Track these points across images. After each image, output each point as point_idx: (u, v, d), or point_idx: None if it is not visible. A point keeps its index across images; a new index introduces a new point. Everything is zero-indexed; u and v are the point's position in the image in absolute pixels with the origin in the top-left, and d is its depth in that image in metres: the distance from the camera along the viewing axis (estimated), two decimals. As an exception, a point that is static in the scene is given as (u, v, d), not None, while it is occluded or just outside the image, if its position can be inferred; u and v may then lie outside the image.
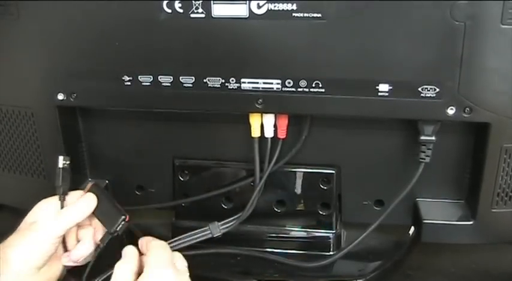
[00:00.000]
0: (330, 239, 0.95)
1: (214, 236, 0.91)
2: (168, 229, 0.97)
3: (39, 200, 0.97)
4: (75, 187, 0.95)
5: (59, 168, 0.86)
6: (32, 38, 0.86)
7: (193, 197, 0.95)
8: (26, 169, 0.98)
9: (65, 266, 0.85)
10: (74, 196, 0.86)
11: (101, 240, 0.84)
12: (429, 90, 0.77)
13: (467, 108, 0.77)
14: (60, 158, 0.86)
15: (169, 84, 0.83)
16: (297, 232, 0.96)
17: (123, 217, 0.82)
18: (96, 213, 0.83)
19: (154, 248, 0.79)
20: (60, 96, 0.88)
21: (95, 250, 0.84)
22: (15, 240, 0.79)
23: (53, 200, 0.84)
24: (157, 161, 0.96)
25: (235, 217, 0.92)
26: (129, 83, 0.84)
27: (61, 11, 0.82)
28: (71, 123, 0.95)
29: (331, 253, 0.94)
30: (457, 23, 0.73)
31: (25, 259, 0.78)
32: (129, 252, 0.79)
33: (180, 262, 0.80)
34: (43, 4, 0.83)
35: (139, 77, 0.84)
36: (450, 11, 0.72)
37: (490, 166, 0.82)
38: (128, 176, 0.98)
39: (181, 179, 0.96)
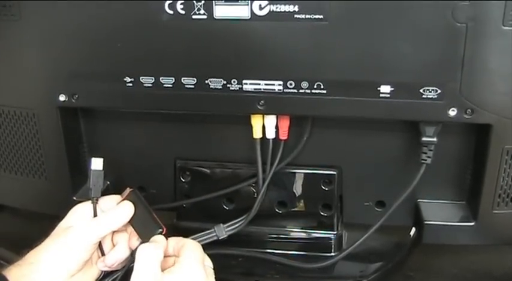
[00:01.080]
0: (331, 240, 0.95)
1: (220, 238, 0.91)
2: (169, 230, 0.96)
3: (41, 201, 0.98)
4: (76, 188, 0.96)
5: (91, 170, 0.83)
6: (34, 39, 0.86)
7: (195, 198, 0.95)
8: (27, 170, 0.98)
9: (101, 271, 0.84)
10: (109, 200, 0.83)
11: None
12: (431, 92, 0.77)
13: (469, 110, 0.77)
14: (93, 160, 0.84)
15: (171, 85, 0.83)
16: (298, 233, 0.96)
17: (160, 230, 0.79)
18: (132, 222, 0.80)
19: (189, 246, 0.77)
20: (62, 98, 0.88)
21: (131, 255, 0.82)
22: (48, 245, 0.78)
23: (88, 205, 0.82)
24: (158, 162, 0.96)
25: (241, 218, 0.92)
26: (130, 84, 0.84)
27: (63, 12, 0.82)
28: (73, 124, 0.95)
29: (332, 254, 0.94)
30: (458, 24, 0.73)
31: (58, 265, 0.77)
32: (158, 238, 0.78)
33: (208, 263, 0.78)
34: (45, 5, 0.83)
35: (141, 78, 0.84)
36: (452, 12, 0.73)
37: (491, 167, 0.82)
38: (129, 177, 0.98)
39: (183, 180, 0.96)
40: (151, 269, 0.72)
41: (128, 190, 0.82)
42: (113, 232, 0.84)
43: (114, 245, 0.84)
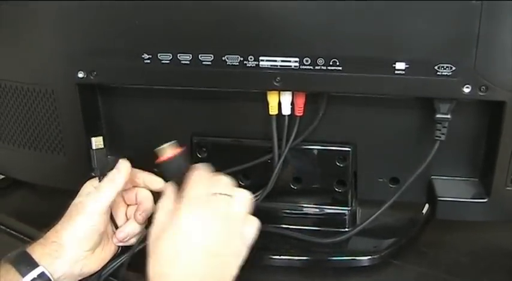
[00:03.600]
0: (345, 216, 0.96)
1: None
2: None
3: (59, 176, 0.99)
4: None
5: (93, 150, 0.86)
6: (52, 16, 0.87)
7: (211, 174, 0.96)
8: (46, 146, 0.99)
9: (118, 247, 0.87)
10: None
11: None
12: (445, 69, 0.77)
13: (483, 87, 0.77)
14: (93, 139, 0.86)
15: (188, 62, 0.84)
16: (313, 208, 0.97)
17: None
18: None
19: (190, 181, 0.77)
20: (81, 74, 0.89)
21: (145, 227, 0.84)
22: (65, 223, 0.81)
23: (96, 182, 0.86)
24: (175, 139, 0.97)
25: (257, 194, 0.93)
26: (148, 61, 0.85)
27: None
28: (91, 101, 0.96)
29: (346, 229, 0.95)
30: (474, 1, 0.73)
31: (78, 241, 0.80)
32: (165, 191, 0.80)
33: (216, 189, 0.76)
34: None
35: (158, 54, 0.85)
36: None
37: (504, 145, 0.82)
38: (146, 153, 0.99)
39: (200, 156, 0.97)
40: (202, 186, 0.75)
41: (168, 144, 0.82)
42: (127, 206, 0.88)
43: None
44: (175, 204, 0.76)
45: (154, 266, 0.70)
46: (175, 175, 0.80)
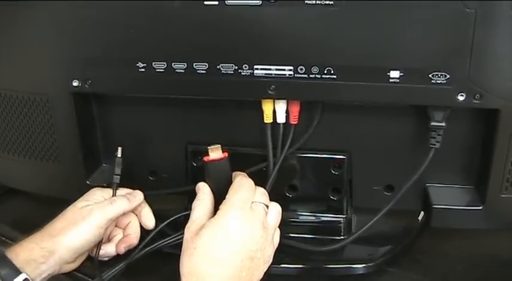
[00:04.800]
0: (340, 223, 0.96)
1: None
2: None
3: (54, 185, 0.99)
4: (89, 172, 0.97)
5: (118, 158, 0.90)
6: (47, 25, 0.87)
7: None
8: (41, 155, 0.99)
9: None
10: (123, 191, 0.90)
11: None
12: (440, 77, 0.78)
13: (478, 95, 0.78)
14: (120, 148, 0.90)
15: (182, 70, 0.84)
16: (308, 216, 0.97)
17: None
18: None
19: (231, 189, 0.80)
20: (75, 83, 0.89)
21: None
22: (65, 229, 0.81)
23: (106, 190, 0.88)
24: (170, 147, 0.97)
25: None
26: (143, 70, 0.85)
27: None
28: (86, 109, 0.96)
29: (341, 237, 0.95)
30: (468, 10, 0.74)
31: (71, 250, 0.81)
32: (203, 189, 0.83)
33: (259, 198, 0.80)
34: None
35: (153, 63, 0.85)
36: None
37: (499, 152, 0.82)
38: (141, 161, 0.99)
39: (194, 164, 0.97)
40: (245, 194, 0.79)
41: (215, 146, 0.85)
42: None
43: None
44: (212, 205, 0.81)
45: (190, 261, 0.73)
46: (217, 176, 0.84)
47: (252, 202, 0.78)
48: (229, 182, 0.82)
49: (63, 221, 0.82)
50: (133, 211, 0.89)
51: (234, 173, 0.84)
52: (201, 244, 0.73)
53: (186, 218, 0.80)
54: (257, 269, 0.75)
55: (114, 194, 0.88)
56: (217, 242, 0.73)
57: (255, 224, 0.76)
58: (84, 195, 0.87)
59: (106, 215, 0.83)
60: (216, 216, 0.76)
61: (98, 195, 0.87)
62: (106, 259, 0.88)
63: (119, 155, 0.90)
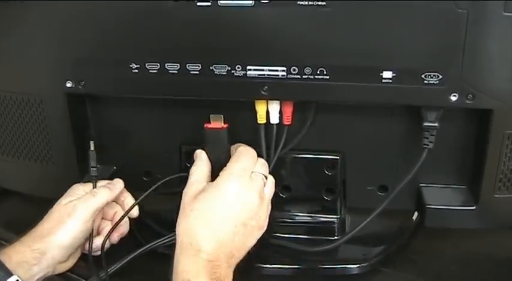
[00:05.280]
0: (334, 224, 0.96)
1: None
2: (175, 215, 0.97)
3: (48, 186, 0.99)
4: (83, 173, 0.97)
5: (92, 151, 0.90)
6: (41, 26, 0.87)
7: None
8: (35, 156, 0.99)
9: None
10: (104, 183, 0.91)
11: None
12: (432, 77, 0.78)
13: (470, 95, 0.78)
14: (91, 142, 0.91)
15: (176, 71, 0.84)
16: (302, 216, 0.97)
17: None
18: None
19: (234, 157, 0.83)
20: (69, 84, 0.89)
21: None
22: (54, 228, 0.82)
23: (88, 187, 0.89)
24: (164, 148, 0.97)
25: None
26: (136, 71, 0.85)
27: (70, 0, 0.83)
28: (80, 110, 0.96)
29: (335, 237, 0.95)
30: (460, 10, 0.74)
31: (62, 249, 0.82)
32: (200, 155, 0.85)
33: (259, 169, 0.83)
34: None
35: (146, 64, 0.85)
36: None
37: (492, 152, 0.82)
38: (135, 162, 0.99)
39: (188, 165, 0.96)
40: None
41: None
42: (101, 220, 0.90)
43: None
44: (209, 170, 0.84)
45: (186, 223, 0.77)
46: (215, 145, 0.86)
47: (252, 172, 0.81)
48: (226, 154, 0.85)
49: (51, 221, 0.82)
50: (117, 201, 0.91)
51: (236, 144, 0.86)
52: (197, 206, 0.77)
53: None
54: (250, 236, 0.79)
55: (94, 187, 0.88)
56: (213, 206, 0.77)
57: (252, 193, 0.79)
58: (67, 192, 0.87)
59: (90, 208, 0.84)
60: (215, 181, 0.80)
61: (80, 190, 0.87)
62: (98, 253, 0.87)
63: (92, 148, 0.90)
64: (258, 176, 0.82)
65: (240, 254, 0.78)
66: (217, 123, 0.86)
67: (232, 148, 0.86)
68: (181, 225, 0.77)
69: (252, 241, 0.80)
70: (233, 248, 0.76)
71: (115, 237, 0.89)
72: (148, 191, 0.89)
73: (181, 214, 0.79)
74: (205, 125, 0.85)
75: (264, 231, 0.82)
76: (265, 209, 0.82)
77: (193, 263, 0.73)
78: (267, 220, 0.83)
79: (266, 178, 0.83)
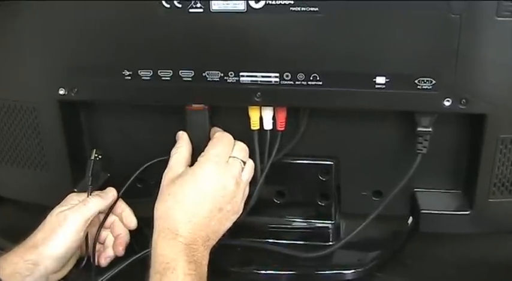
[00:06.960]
0: (329, 229, 0.96)
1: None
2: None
3: (41, 193, 0.99)
4: (77, 180, 0.96)
5: (90, 160, 0.91)
6: (34, 33, 0.87)
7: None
8: (28, 163, 0.99)
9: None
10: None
11: None
12: (425, 83, 0.78)
13: (464, 100, 0.78)
14: (93, 150, 0.92)
15: (169, 78, 0.84)
16: (296, 222, 0.97)
17: None
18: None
19: (211, 143, 0.85)
20: (62, 91, 0.89)
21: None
22: (46, 239, 0.81)
23: (82, 196, 0.89)
24: (158, 154, 0.96)
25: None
26: (129, 78, 0.85)
27: (62, 7, 0.83)
28: (73, 117, 0.96)
29: (330, 243, 0.95)
30: (453, 15, 0.73)
31: (55, 259, 0.81)
32: (182, 136, 0.87)
33: (236, 154, 0.85)
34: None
35: (139, 71, 0.84)
36: (446, 3, 0.73)
37: (486, 157, 0.82)
38: (129, 168, 0.99)
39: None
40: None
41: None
42: None
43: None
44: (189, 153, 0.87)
45: (163, 206, 0.80)
46: (196, 126, 0.88)
47: (230, 157, 0.84)
48: (207, 135, 0.87)
49: (43, 232, 0.82)
50: (115, 213, 0.91)
51: (213, 129, 0.88)
52: (174, 191, 0.80)
53: None
54: (226, 220, 0.82)
55: (88, 196, 0.88)
56: (189, 192, 0.80)
57: (228, 178, 0.82)
58: (62, 201, 0.87)
59: (81, 218, 0.83)
60: (192, 167, 0.83)
61: (74, 200, 0.87)
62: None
63: (92, 157, 0.91)
64: (235, 161, 0.84)
65: (216, 236, 0.81)
66: (199, 105, 0.87)
67: (212, 131, 0.88)
68: (159, 209, 0.80)
69: (227, 224, 0.83)
70: (209, 231, 0.80)
71: (120, 251, 0.89)
72: (130, 180, 0.92)
73: (159, 197, 0.82)
74: (187, 107, 0.87)
75: (239, 215, 0.85)
76: (241, 194, 0.84)
77: (172, 247, 0.76)
78: (243, 204, 0.86)
79: (244, 163, 0.85)
